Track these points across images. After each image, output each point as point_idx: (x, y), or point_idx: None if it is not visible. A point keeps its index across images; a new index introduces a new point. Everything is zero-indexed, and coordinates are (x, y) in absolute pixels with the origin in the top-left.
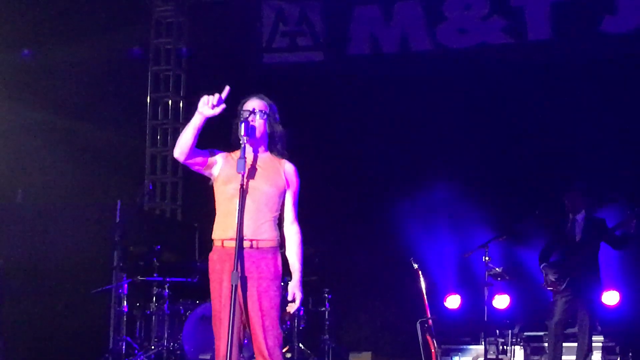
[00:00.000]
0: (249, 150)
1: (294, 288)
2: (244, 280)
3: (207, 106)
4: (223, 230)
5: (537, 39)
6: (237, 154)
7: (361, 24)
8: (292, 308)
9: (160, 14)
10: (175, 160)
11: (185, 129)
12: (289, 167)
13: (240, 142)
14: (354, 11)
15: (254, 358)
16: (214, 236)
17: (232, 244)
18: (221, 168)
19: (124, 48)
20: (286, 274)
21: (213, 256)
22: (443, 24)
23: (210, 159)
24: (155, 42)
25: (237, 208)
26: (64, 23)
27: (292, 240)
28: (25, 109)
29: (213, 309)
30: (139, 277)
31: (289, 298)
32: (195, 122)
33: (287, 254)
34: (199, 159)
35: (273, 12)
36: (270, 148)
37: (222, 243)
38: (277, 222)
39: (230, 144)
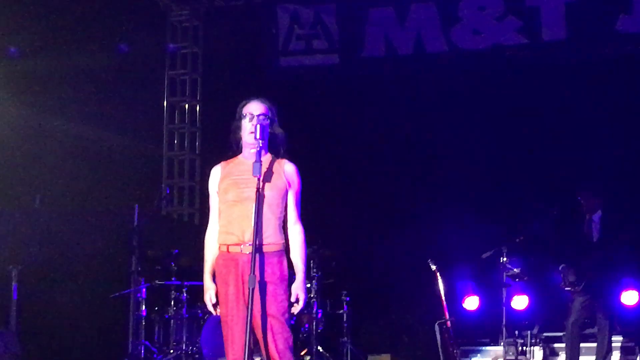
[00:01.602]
0: (255, 153)
1: (297, 289)
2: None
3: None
4: (226, 236)
5: (552, 39)
6: (235, 160)
7: (376, 26)
8: (295, 309)
9: (175, 18)
10: (192, 164)
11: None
12: (289, 168)
13: (256, 145)
14: (368, 13)
15: None
16: (219, 241)
17: (237, 249)
18: (220, 180)
19: (140, 53)
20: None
21: (219, 261)
22: (458, 25)
23: (217, 203)
24: (171, 47)
25: (243, 213)
26: (79, 29)
27: (294, 241)
28: (42, 115)
29: (221, 314)
30: (157, 281)
31: (292, 299)
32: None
33: (291, 254)
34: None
35: (288, 16)
36: (271, 150)
37: (227, 248)
38: (282, 224)
39: (229, 146)
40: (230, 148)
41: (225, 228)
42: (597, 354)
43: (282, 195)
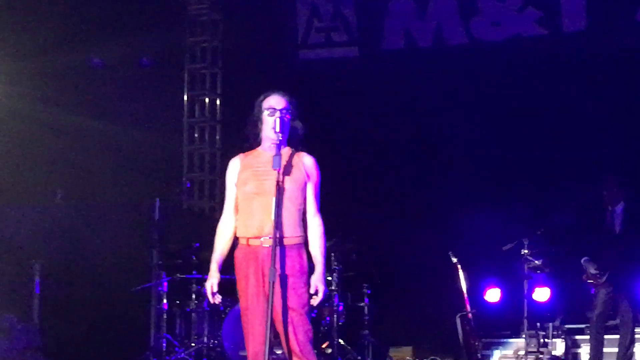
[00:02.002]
0: (275, 147)
1: (317, 281)
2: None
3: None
4: (246, 229)
5: (572, 30)
6: (254, 152)
7: (395, 18)
8: (315, 301)
9: (194, 12)
10: (212, 158)
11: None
12: (308, 160)
13: (275, 138)
14: (387, 5)
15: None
16: (238, 234)
17: (257, 242)
18: (239, 172)
19: (159, 47)
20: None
21: (238, 254)
22: (477, 16)
23: (236, 191)
24: (190, 41)
25: (262, 206)
26: (99, 24)
27: (313, 233)
28: (62, 111)
29: (241, 307)
30: (178, 275)
31: (311, 291)
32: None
33: (310, 246)
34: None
35: (307, 8)
36: (290, 143)
37: (247, 241)
38: (301, 217)
39: (246, 140)
40: (247, 141)
41: (245, 220)
42: (619, 346)
43: (302, 188)
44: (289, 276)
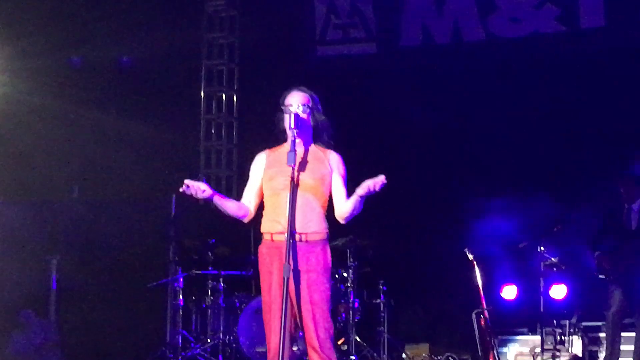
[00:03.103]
0: (297, 142)
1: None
2: (294, 273)
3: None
4: (271, 224)
5: (591, 26)
6: (281, 148)
7: (413, 14)
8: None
9: (212, 8)
10: (229, 154)
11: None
12: (334, 156)
13: (290, 135)
14: (405, 2)
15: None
16: (262, 230)
17: (281, 237)
18: (265, 167)
19: (176, 43)
20: (339, 266)
21: (262, 249)
22: (495, 13)
23: (258, 184)
24: (208, 37)
25: (288, 201)
26: (116, 21)
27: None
28: (79, 107)
29: (263, 302)
30: (194, 271)
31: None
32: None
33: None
34: (257, 198)
35: (325, 5)
36: (315, 140)
37: (272, 237)
38: (325, 213)
39: (275, 139)
40: (275, 139)
41: (270, 216)
42: (635, 343)
43: (326, 184)
44: (312, 272)
